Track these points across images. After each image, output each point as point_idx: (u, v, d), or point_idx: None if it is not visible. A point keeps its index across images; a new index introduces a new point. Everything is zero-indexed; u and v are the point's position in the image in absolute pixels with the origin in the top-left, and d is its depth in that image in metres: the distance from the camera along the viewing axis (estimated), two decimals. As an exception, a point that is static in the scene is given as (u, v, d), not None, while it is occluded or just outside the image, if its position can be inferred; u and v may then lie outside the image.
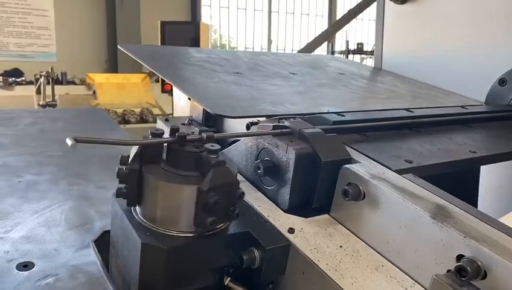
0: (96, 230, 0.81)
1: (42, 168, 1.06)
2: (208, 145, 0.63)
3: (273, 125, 0.82)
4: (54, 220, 0.84)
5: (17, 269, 0.69)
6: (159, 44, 7.37)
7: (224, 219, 0.66)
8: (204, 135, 0.66)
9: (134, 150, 0.65)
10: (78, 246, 0.76)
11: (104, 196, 0.94)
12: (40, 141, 1.24)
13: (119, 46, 1.31)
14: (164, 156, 0.66)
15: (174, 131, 0.65)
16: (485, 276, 0.55)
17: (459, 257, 0.58)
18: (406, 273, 0.65)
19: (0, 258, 0.71)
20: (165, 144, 0.66)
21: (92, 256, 0.74)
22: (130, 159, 0.64)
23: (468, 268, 0.55)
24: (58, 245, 0.76)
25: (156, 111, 6.04)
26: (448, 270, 0.57)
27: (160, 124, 1.16)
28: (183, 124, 1.15)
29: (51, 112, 2.15)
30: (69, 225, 0.83)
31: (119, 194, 0.64)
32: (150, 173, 0.63)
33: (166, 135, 0.66)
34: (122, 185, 0.64)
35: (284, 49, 13.09)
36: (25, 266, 0.70)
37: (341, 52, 12.42)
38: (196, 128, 1.10)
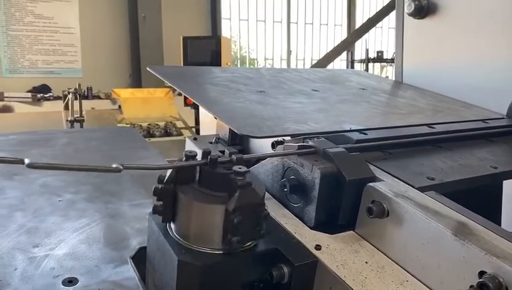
0: (133, 246, 0.86)
1: (79, 187, 1.12)
2: (236, 168, 0.67)
3: (298, 145, 0.85)
4: (93, 238, 0.89)
5: (62, 284, 0.74)
6: (181, 58, 7.56)
7: (251, 238, 0.68)
8: (234, 157, 0.70)
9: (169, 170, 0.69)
10: (117, 263, 0.81)
11: (138, 214, 0.99)
12: (76, 161, 1.31)
13: (148, 68, 1.37)
14: (197, 176, 0.70)
15: (206, 154, 0.70)
16: (506, 292, 0.57)
17: (481, 273, 0.60)
18: (430, 289, 0.67)
19: (47, 274, 0.76)
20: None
21: (130, 272, 0.78)
22: (165, 179, 0.68)
23: (490, 284, 0.57)
24: (99, 261, 0.81)
25: (179, 124, 6.16)
26: (471, 286, 0.60)
27: (189, 144, 1.21)
28: (211, 143, 1.20)
29: (85, 132, 2.23)
30: (107, 242, 0.88)
31: (155, 210, 0.68)
32: (182, 192, 0.67)
33: (198, 156, 0.70)
34: (159, 203, 0.68)
35: (304, 59, 13.14)
36: (70, 281, 0.75)
37: (361, 61, 12.38)
38: (225, 149, 1.15)
